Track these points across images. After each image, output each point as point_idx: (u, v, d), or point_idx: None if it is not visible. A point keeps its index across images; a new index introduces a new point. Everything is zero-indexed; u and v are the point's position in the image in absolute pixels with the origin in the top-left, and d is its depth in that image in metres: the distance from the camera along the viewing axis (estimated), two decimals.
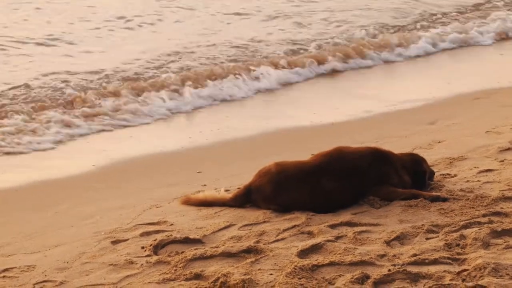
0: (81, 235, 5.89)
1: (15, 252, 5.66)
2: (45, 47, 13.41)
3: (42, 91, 10.79)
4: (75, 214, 6.67)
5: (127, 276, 4.93)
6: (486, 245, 4.96)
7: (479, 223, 5.34)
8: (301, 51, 13.42)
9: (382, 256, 4.92)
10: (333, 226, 5.54)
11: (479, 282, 4.38)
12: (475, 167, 6.76)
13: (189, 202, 6.42)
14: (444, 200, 5.92)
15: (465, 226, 5.32)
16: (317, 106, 10.81)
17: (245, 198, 6.18)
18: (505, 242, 4.97)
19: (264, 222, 5.76)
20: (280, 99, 11.41)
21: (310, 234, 5.44)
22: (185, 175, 7.85)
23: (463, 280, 4.48)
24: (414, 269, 4.64)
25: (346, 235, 5.33)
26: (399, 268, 4.66)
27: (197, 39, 13.97)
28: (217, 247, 5.23)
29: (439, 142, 8.10)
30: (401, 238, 5.23)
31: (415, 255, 4.88)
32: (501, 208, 5.62)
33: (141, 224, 5.95)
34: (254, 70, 11.86)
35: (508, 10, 16.32)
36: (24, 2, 16.34)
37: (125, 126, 9.83)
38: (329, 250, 5.07)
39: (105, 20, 15.27)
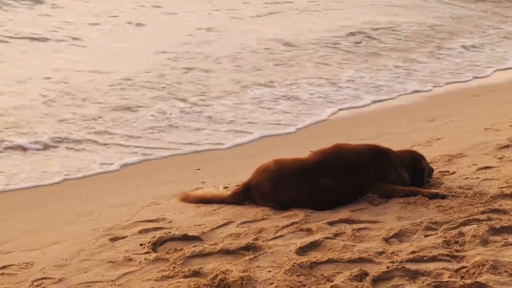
0: (79, 232, 5.88)
1: (14, 249, 5.66)
2: None
3: None
4: (74, 211, 6.67)
5: (126, 273, 4.92)
6: (484, 242, 4.96)
7: (478, 220, 5.34)
8: None
9: (381, 253, 4.91)
10: (331, 223, 5.54)
11: (478, 279, 4.38)
12: (474, 164, 6.76)
13: (187, 199, 6.42)
14: (443, 197, 5.92)
15: (464, 223, 5.31)
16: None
17: (244, 195, 6.18)
18: (503, 239, 4.96)
19: (263, 219, 5.76)
20: None
21: (309, 231, 5.44)
22: (183, 172, 7.85)
23: (462, 277, 4.48)
24: (412, 266, 4.64)
25: (344, 232, 5.33)
26: (397, 265, 4.65)
27: None
28: (215, 244, 5.23)
29: (438, 139, 8.11)
30: (399, 235, 5.23)
31: (413, 252, 4.87)
32: (500, 205, 5.61)
33: (139, 221, 5.95)
34: None
35: None
36: None
37: None
38: (328, 247, 5.07)
39: None
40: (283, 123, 9.90)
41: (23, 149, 8.51)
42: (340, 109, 10.52)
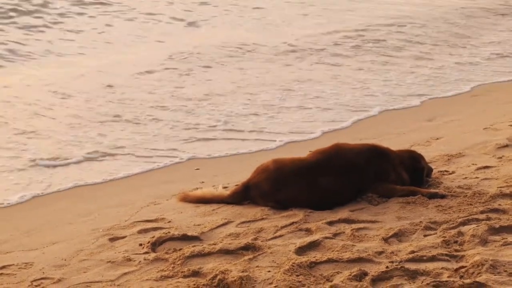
0: (79, 232, 5.88)
1: (13, 249, 5.65)
2: None
3: None
4: (73, 211, 6.67)
5: (125, 273, 4.92)
6: (484, 242, 4.96)
7: (477, 220, 5.34)
8: None
9: (380, 253, 4.92)
10: (331, 223, 5.54)
11: (477, 279, 4.38)
12: (473, 164, 6.76)
13: (187, 199, 6.42)
14: (442, 197, 5.92)
15: (463, 223, 5.32)
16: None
17: (243, 195, 6.18)
18: (503, 239, 4.97)
19: (262, 219, 5.76)
20: None
21: (308, 231, 5.44)
22: (183, 172, 7.84)
23: (461, 277, 4.48)
24: (412, 266, 4.64)
25: (344, 232, 5.33)
26: (397, 265, 4.65)
27: None
28: (215, 244, 5.23)
29: (437, 139, 8.11)
30: (399, 235, 5.23)
31: (413, 252, 4.87)
32: (499, 205, 5.62)
33: (139, 221, 5.95)
34: None
35: None
36: None
37: None
38: (327, 247, 5.07)
39: None
40: (302, 129, 9.50)
41: (41, 164, 8.37)
42: (363, 117, 10.15)
